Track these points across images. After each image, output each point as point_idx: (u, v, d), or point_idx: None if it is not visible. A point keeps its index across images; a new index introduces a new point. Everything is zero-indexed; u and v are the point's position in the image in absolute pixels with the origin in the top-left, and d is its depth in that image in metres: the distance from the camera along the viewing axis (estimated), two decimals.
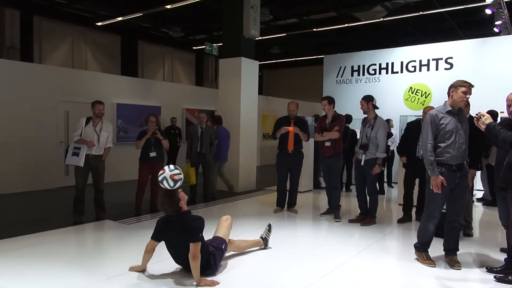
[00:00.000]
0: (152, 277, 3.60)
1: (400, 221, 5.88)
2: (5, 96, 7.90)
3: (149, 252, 3.63)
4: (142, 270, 3.68)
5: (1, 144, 7.83)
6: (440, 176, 3.85)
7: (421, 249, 4.15)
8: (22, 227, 5.27)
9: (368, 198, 5.77)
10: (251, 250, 4.34)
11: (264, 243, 4.43)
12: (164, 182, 3.48)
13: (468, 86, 3.88)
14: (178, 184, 3.52)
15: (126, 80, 11.00)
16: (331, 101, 6.02)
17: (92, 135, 5.66)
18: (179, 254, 3.56)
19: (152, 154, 6.20)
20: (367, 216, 5.76)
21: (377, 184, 8.21)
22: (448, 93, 3.97)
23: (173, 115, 11.01)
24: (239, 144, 8.56)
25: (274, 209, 6.46)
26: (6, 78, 7.98)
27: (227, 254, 4.07)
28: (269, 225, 4.60)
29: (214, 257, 3.61)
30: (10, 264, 3.94)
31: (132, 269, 3.70)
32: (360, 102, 5.68)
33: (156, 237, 3.59)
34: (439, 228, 4.32)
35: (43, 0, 12.03)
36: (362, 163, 5.61)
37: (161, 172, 3.52)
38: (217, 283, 3.41)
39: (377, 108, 5.72)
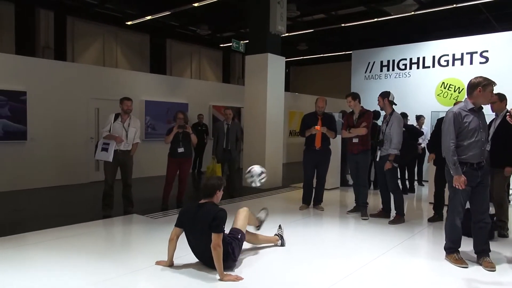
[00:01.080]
0: (177, 270, 3.63)
1: (430, 220, 5.70)
2: (40, 93, 8.18)
3: (172, 240, 3.63)
4: (169, 265, 3.69)
5: (35, 139, 8.12)
6: (462, 176, 3.74)
7: (452, 250, 4.00)
8: (53, 220, 5.44)
9: (391, 196, 5.66)
10: (274, 248, 4.30)
11: (280, 239, 4.42)
12: (255, 167, 4.28)
13: (494, 85, 3.78)
14: (257, 180, 4.24)
15: (155, 78, 11.18)
16: (355, 96, 5.91)
17: (121, 131, 5.77)
18: (199, 245, 3.59)
19: (180, 149, 6.26)
20: (387, 212, 5.69)
21: (407, 182, 8.10)
22: (470, 91, 3.83)
23: (200, 112, 11.11)
24: (265, 140, 8.53)
25: (300, 206, 6.40)
26: (40, 76, 8.27)
27: (246, 247, 4.07)
28: (280, 226, 4.63)
29: (231, 246, 3.60)
30: (41, 255, 4.08)
31: (158, 263, 3.73)
32: (377, 98, 5.62)
33: (178, 224, 3.63)
34: (468, 228, 4.18)
35: (76, 1, 12.37)
36: (377, 159, 5.57)
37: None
38: (241, 278, 3.39)
39: (395, 104, 5.62)
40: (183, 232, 3.64)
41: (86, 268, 3.67)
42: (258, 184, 4.28)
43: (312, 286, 3.36)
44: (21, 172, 7.92)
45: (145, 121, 10.08)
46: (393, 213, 5.71)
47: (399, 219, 5.56)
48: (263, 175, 4.28)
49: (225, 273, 3.39)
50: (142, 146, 9.51)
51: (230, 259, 3.60)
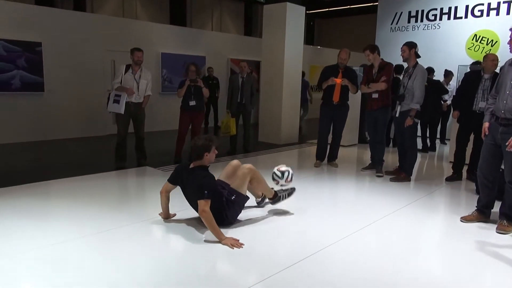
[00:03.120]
0: (185, 223, 3.62)
1: (448, 179, 5.48)
2: (55, 45, 8.12)
3: (161, 193, 3.58)
4: (165, 217, 3.65)
5: (55, 91, 8.18)
6: (486, 122, 3.74)
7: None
8: (68, 170, 5.54)
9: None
10: (285, 206, 4.17)
11: (274, 198, 3.96)
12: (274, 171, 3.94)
13: None
14: (284, 181, 3.92)
15: (172, 29, 10.92)
16: (373, 49, 5.53)
17: (132, 82, 5.67)
18: (192, 206, 3.54)
19: (192, 103, 6.17)
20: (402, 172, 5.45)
21: (428, 140, 7.80)
22: None
23: (218, 65, 10.85)
24: (282, 95, 8.30)
25: (315, 163, 6.24)
26: (55, 27, 8.17)
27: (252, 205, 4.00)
28: (293, 190, 4.11)
29: (225, 210, 3.43)
30: (54, 204, 4.22)
31: (160, 214, 3.72)
32: (402, 48, 5.22)
33: (171, 180, 3.55)
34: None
35: None
36: (397, 115, 5.27)
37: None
38: (241, 245, 3.10)
39: (419, 56, 5.23)
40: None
41: (95, 217, 3.72)
42: (290, 184, 3.96)
43: (321, 240, 3.29)
44: (39, 123, 8.06)
45: (162, 74, 9.96)
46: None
47: (404, 177, 5.37)
48: (286, 173, 3.89)
49: (226, 237, 3.15)
50: (158, 99, 9.51)
51: (225, 224, 3.44)
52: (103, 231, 3.38)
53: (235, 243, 3.11)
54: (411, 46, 5.16)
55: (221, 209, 3.40)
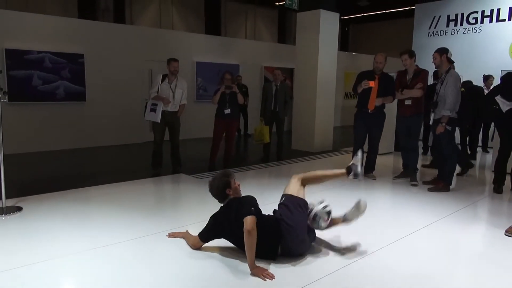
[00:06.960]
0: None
1: (496, 190, 5.20)
2: (96, 56, 8.48)
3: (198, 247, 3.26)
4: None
5: (94, 101, 8.53)
6: None
7: None
8: (109, 176, 5.76)
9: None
10: None
11: (350, 171, 3.47)
12: (317, 218, 3.15)
13: None
14: (323, 225, 3.19)
15: (207, 39, 11.14)
16: (412, 54, 5.40)
17: (168, 92, 5.82)
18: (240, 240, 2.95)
19: (227, 111, 6.25)
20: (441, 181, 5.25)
21: (468, 148, 7.49)
22: None
23: (252, 73, 10.94)
24: (316, 102, 8.25)
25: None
26: (96, 39, 8.54)
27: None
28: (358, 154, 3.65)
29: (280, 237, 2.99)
30: (93, 209, 4.38)
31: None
32: (433, 55, 5.08)
33: (210, 236, 3.19)
34: None
35: None
36: (431, 123, 5.11)
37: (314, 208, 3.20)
38: (272, 276, 2.75)
39: (452, 62, 5.05)
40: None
41: (133, 222, 3.83)
42: (326, 218, 3.20)
43: (357, 250, 3.24)
44: (81, 131, 8.41)
45: (197, 82, 10.15)
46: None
47: (443, 187, 5.16)
48: (323, 204, 3.23)
49: (256, 265, 2.82)
50: (194, 107, 9.69)
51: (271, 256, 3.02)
52: (142, 237, 3.48)
53: (267, 274, 2.75)
54: (441, 52, 5.01)
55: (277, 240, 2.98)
